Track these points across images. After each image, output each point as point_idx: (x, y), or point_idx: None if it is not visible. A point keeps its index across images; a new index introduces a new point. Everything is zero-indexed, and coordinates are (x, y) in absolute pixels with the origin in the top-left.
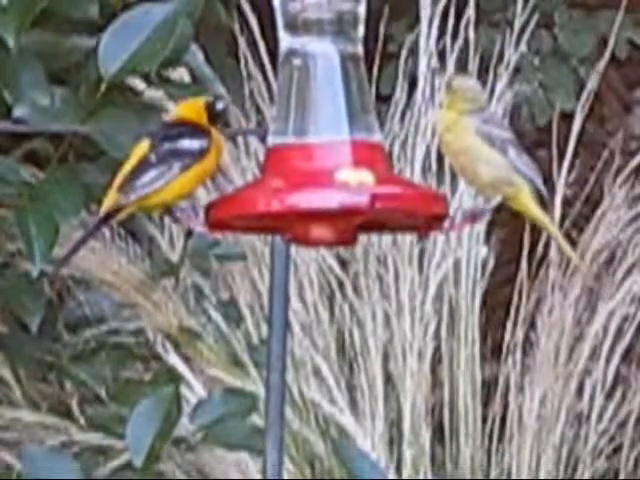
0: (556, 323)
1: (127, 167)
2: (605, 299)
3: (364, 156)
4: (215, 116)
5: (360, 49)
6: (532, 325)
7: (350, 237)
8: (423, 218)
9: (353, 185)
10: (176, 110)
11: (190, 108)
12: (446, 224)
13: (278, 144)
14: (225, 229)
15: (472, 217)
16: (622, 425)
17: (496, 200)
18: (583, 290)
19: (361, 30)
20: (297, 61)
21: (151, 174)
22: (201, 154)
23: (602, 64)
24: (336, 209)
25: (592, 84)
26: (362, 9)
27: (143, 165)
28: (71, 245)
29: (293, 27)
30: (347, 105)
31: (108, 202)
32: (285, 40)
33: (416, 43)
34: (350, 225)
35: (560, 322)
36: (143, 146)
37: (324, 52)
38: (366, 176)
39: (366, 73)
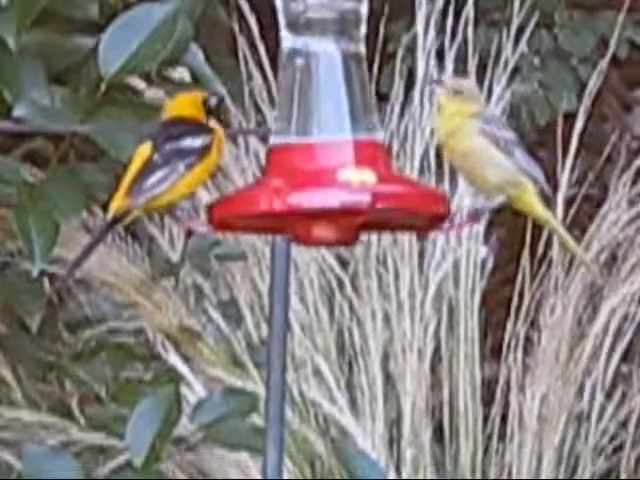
0: (557, 322)
1: (132, 170)
2: (606, 298)
3: (366, 155)
4: (209, 111)
5: (362, 48)
6: (532, 324)
7: (352, 237)
8: (425, 217)
9: (355, 184)
10: (173, 107)
11: (188, 104)
12: (447, 223)
13: (280, 144)
14: (227, 229)
15: (474, 216)
16: (623, 425)
17: (499, 200)
18: (584, 289)
19: (363, 29)
20: (299, 61)
21: (157, 175)
22: (204, 151)
23: (602, 64)
24: (338, 208)
25: (592, 84)
26: (364, 8)
27: (148, 167)
28: (79, 249)
29: (295, 27)
30: (349, 104)
31: (115, 206)
32: (287, 40)
33: (414, 42)
34: (352, 224)
35: (561, 321)
36: (145, 147)
37: (326, 51)
38: (368, 175)
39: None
